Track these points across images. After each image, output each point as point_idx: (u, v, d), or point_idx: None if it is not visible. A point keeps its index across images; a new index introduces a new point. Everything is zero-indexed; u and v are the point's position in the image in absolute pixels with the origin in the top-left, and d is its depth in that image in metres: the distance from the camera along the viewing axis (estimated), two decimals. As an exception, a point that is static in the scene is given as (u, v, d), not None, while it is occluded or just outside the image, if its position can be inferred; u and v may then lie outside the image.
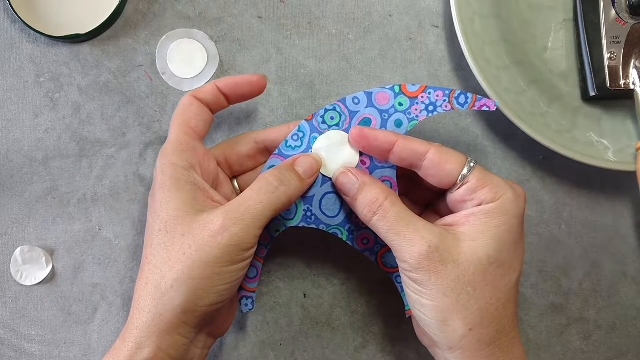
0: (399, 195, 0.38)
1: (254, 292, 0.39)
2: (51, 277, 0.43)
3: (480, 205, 0.33)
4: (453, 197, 0.34)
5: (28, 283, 0.43)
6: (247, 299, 0.39)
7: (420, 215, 0.40)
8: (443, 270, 0.32)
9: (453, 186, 0.34)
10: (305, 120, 0.37)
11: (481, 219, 0.33)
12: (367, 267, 0.43)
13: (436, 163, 0.34)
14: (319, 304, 0.44)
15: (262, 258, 0.38)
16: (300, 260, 0.44)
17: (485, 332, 0.32)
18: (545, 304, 0.44)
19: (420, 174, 0.35)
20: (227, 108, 0.39)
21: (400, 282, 0.38)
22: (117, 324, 0.43)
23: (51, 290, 0.43)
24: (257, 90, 0.39)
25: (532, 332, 0.44)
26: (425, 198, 0.40)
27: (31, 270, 0.43)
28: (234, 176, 0.41)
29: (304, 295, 0.44)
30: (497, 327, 0.32)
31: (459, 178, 0.33)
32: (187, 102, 0.37)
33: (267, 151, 0.40)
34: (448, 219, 0.34)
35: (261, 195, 0.34)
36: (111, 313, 0.43)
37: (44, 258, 0.43)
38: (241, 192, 0.39)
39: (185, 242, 0.33)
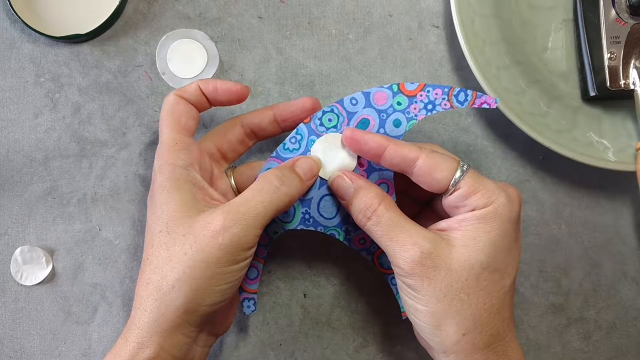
0: (398, 193, 0.38)
1: (255, 293, 0.38)
2: (51, 277, 0.43)
3: (472, 211, 0.33)
4: (446, 201, 0.34)
5: (28, 283, 0.43)
6: (248, 301, 0.38)
7: (418, 214, 0.40)
8: (436, 276, 0.32)
9: (445, 191, 0.34)
10: (303, 122, 0.37)
11: (473, 224, 0.33)
12: (367, 267, 0.43)
13: (425, 171, 0.33)
14: (319, 304, 0.44)
15: (262, 258, 0.38)
16: (300, 260, 0.44)
17: (479, 337, 0.32)
18: (545, 304, 0.44)
19: (413, 179, 0.35)
20: (209, 109, 0.39)
21: (395, 284, 0.38)
22: (117, 324, 0.43)
23: (51, 290, 0.43)
24: (235, 99, 0.38)
25: (532, 332, 0.44)
26: (424, 196, 0.40)
27: (31, 270, 0.43)
28: (227, 163, 0.41)
29: (304, 295, 0.44)
30: (491, 331, 0.32)
31: (451, 184, 0.33)
32: (173, 100, 0.37)
33: (253, 134, 0.40)
34: (441, 223, 0.34)
35: (262, 195, 0.34)
36: (111, 313, 0.43)
37: (44, 258, 0.43)
38: (237, 186, 0.39)
39: (187, 243, 0.33)
